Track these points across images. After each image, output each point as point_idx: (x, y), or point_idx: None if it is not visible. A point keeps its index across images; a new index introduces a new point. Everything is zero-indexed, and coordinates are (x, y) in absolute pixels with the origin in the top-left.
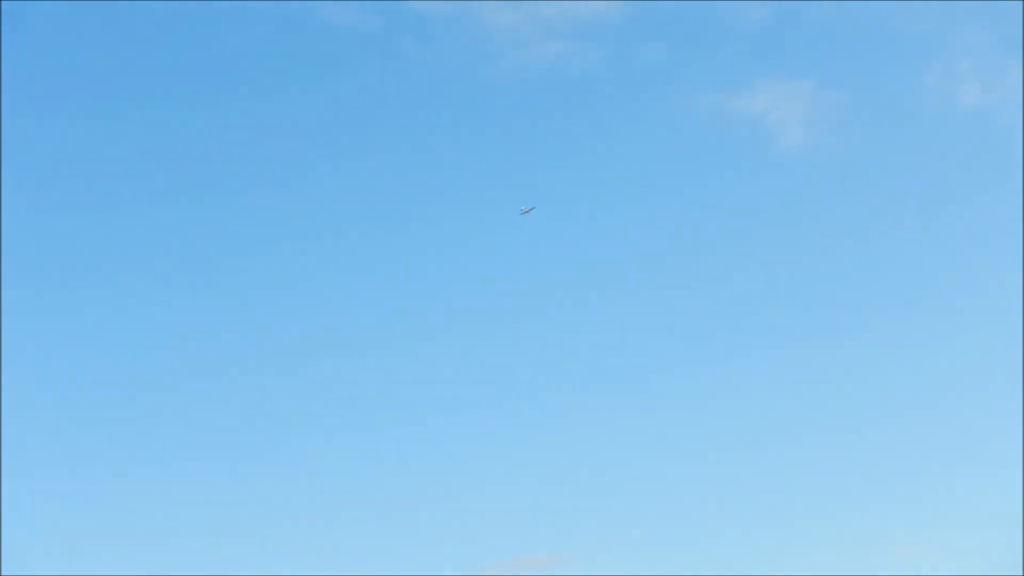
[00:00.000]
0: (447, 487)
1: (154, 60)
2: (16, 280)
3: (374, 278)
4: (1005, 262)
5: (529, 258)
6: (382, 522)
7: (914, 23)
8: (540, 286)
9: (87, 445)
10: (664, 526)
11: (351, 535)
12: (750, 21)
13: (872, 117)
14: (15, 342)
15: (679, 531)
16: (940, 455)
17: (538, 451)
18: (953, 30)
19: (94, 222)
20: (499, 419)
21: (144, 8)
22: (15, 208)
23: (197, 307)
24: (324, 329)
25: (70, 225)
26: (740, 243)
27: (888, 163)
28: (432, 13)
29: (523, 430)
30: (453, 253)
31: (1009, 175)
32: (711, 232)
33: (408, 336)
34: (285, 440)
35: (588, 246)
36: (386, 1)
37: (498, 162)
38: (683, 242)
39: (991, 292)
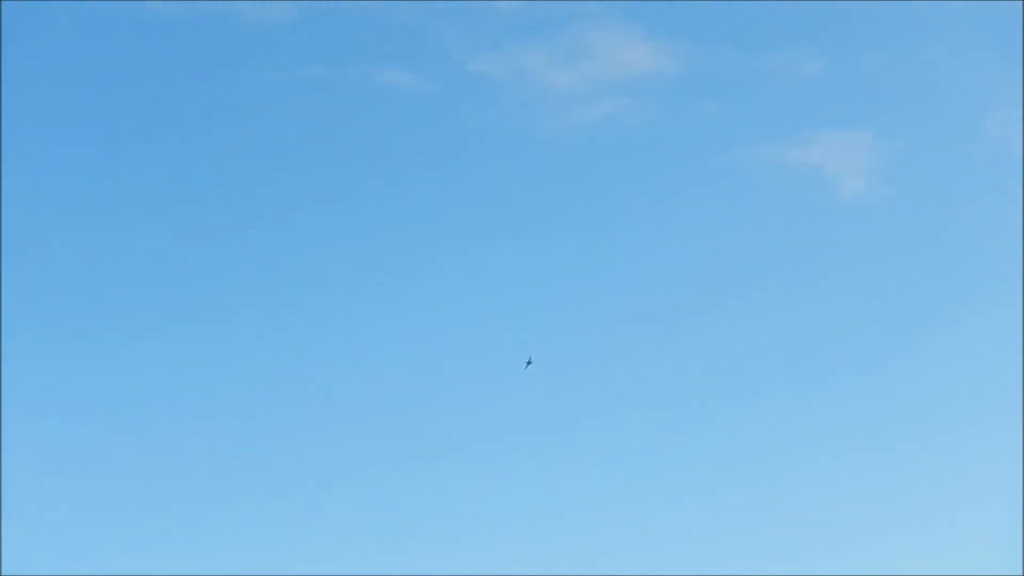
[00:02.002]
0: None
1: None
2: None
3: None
4: None
5: (583, 310)
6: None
7: (973, 71)
8: (589, 336)
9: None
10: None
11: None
12: (804, 72)
13: (932, 165)
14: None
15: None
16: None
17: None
18: (1013, 77)
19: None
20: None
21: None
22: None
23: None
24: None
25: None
26: (805, 292)
27: (949, 210)
28: (488, 74)
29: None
30: (504, 311)
31: None
32: (776, 282)
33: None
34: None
35: (647, 298)
36: (443, 64)
37: (558, 219)
38: (747, 292)
39: None
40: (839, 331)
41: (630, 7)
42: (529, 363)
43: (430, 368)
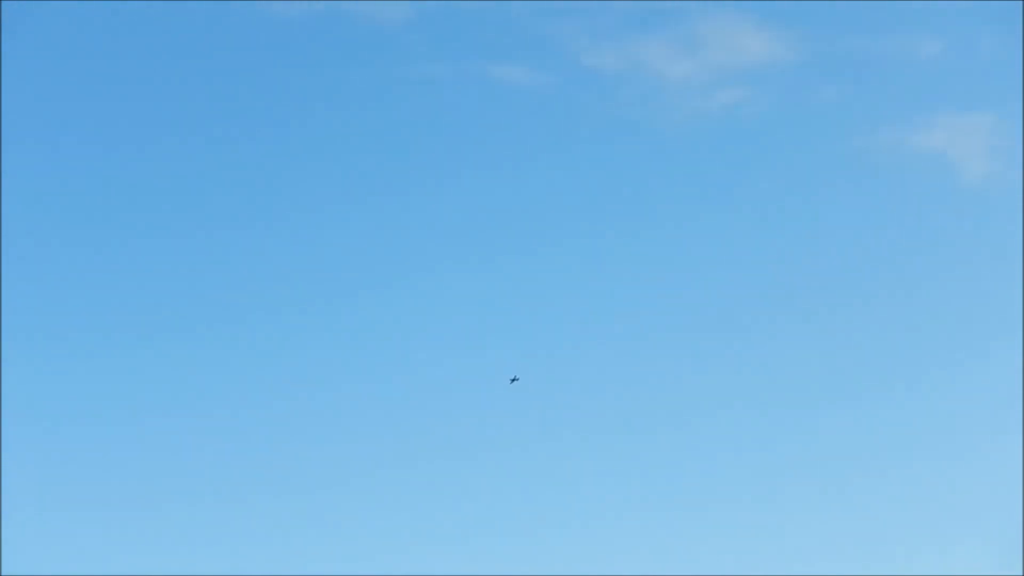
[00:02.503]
0: None
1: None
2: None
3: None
4: None
5: (707, 301)
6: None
7: None
8: (709, 317)
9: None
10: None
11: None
12: (923, 55)
13: None
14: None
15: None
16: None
17: None
18: None
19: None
20: None
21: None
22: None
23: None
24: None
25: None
26: (931, 277)
27: None
28: (605, 67)
29: None
30: (629, 305)
31: None
32: (900, 266)
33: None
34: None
35: (769, 288)
36: (558, 58)
37: (679, 210)
38: (872, 278)
39: None
40: (958, 318)
41: None
42: (514, 380)
43: (562, 362)
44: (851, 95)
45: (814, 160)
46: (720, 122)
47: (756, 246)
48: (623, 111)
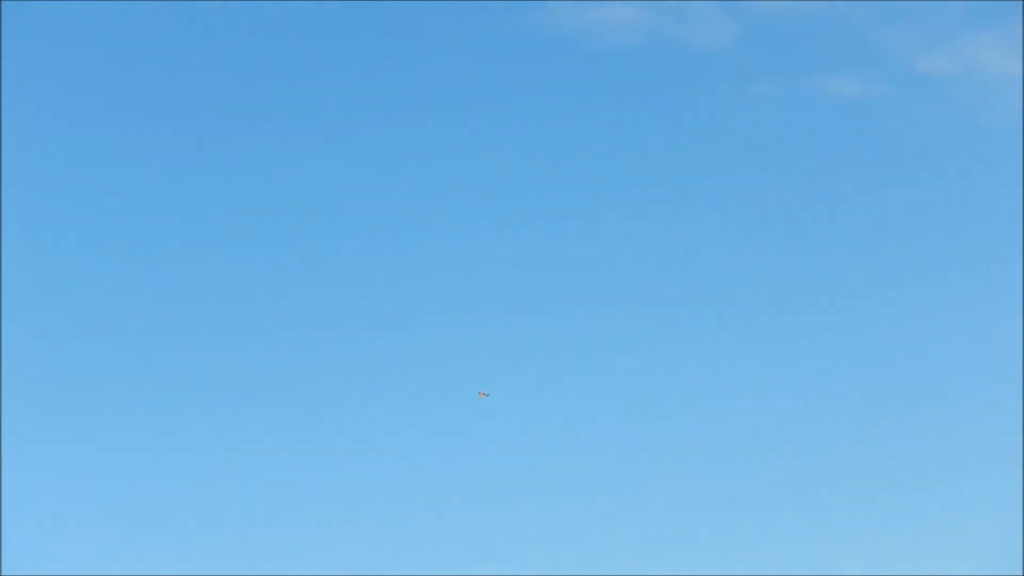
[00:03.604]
0: None
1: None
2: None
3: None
4: None
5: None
6: None
7: None
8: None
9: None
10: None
11: None
12: None
13: None
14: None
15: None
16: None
17: None
18: None
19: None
20: None
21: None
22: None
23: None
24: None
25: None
26: None
27: None
28: (939, 72)
29: None
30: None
31: None
32: None
33: None
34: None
35: None
36: (890, 66)
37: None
38: None
39: None
40: None
41: None
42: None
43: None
44: None
45: None
46: None
47: None
48: (961, 114)
